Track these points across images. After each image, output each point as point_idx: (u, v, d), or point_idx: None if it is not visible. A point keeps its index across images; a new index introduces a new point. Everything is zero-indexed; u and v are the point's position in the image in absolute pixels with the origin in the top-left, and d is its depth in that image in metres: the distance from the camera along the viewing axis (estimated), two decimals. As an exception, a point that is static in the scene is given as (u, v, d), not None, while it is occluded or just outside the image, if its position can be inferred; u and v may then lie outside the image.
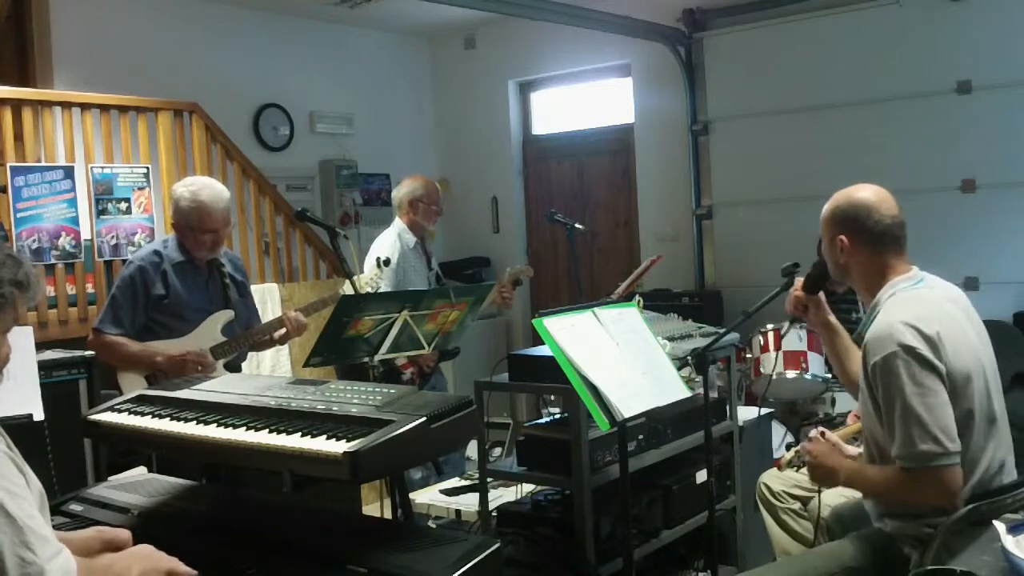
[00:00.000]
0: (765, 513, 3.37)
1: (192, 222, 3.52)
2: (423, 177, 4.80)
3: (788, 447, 3.17)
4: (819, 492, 2.97)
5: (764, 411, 4.34)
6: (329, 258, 6.01)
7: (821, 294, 2.79)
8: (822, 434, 2.99)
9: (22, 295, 1.82)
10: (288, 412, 2.19)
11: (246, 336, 3.70)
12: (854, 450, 2.97)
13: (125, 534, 2.02)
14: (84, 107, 5.00)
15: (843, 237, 2.50)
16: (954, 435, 2.24)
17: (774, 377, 4.70)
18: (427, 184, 4.70)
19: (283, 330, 3.73)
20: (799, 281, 2.79)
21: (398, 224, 4.68)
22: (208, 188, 3.57)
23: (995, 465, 2.35)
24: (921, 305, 2.37)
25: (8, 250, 1.85)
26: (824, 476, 2.55)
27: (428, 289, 4.28)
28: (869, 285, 2.51)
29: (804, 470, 3.06)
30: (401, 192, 4.68)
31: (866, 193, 2.52)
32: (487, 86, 7.73)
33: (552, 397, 3.84)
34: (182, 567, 1.87)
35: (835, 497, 2.95)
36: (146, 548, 1.91)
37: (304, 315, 3.75)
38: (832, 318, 2.80)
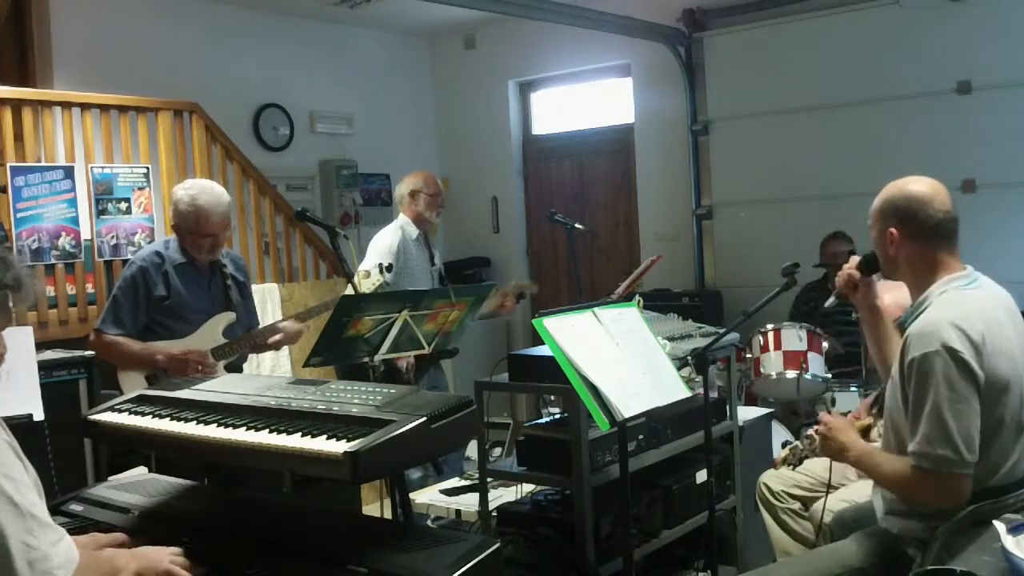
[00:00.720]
0: (765, 513, 3.37)
1: (190, 226, 3.51)
2: (424, 172, 4.85)
3: (784, 444, 3.17)
4: (827, 492, 2.97)
5: (764, 411, 4.34)
6: (329, 258, 6.01)
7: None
8: (821, 421, 2.99)
9: (10, 297, 1.81)
10: (288, 412, 2.18)
11: (247, 338, 3.69)
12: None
13: (121, 537, 2.02)
14: (84, 107, 5.00)
15: (893, 230, 2.46)
16: (974, 446, 2.23)
17: (773, 376, 4.70)
18: (427, 176, 4.76)
19: (277, 336, 3.72)
20: (854, 259, 2.75)
21: (401, 218, 4.72)
22: (207, 192, 3.56)
23: (1018, 472, 2.34)
24: (970, 306, 2.34)
25: (1, 251, 1.85)
26: (836, 450, 2.54)
27: (428, 289, 4.28)
28: (918, 279, 2.47)
29: (800, 468, 3.06)
30: (402, 187, 4.73)
31: (920, 186, 2.49)
32: (487, 86, 7.73)
33: (552, 397, 3.84)
34: (181, 572, 1.87)
35: (837, 503, 2.96)
36: (148, 548, 1.92)
37: (299, 322, 3.75)
38: (879, 301, 2.77)
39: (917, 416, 2.28)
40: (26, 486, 1.70)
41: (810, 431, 3.02)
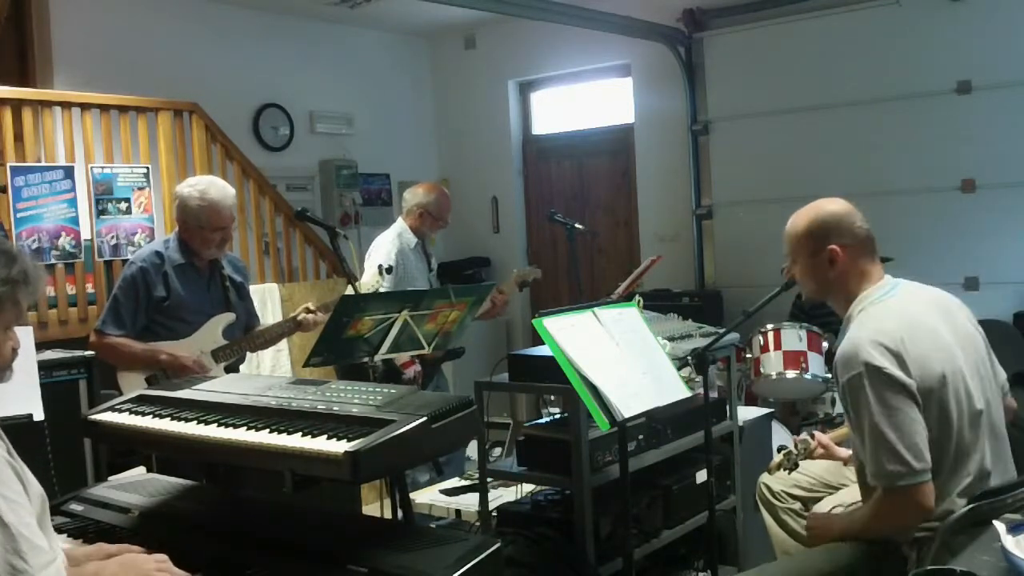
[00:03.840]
0: (765, 513, 3.37)
1: (202, 222, 3.52)
2: (439, 189, 4.78)
3: (779, 450, 3.18)
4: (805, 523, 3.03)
5: (764, 411, 4.34)
6: (329, 258, 6.01)
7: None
8: (812, 436, 3.01)
9: (19, 291, 1.80)
10: (289, 412, 2.19)
11: (248, 340, 3.70)
12: (845, 452, 2.98)
13: (133, 548, 2.01)
14: (84, 107, 5.00)
15: (835, 247, 2.49)
16: (922, 453, 2.26)
17: (773, 376, 4.70)
18: (440, 199, 4.68)
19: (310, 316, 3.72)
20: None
21: (400, 224, 4.68)
22: (214, 186, 3.60)
23: (989, 460, 2.37)
24: (886, 318, 2.38)
25: (5, 246, 1.83)
26: (825, 538, 2.58)
27: (428, 289, 4.28)
28: (848, 296, 2.52)
29: (800, 468, 3.07)
30: (415, 199, 4.66)
31: (836, 204, 2.54)
32: (487, 86, 7.73)
33: (552, 397, 3.84)
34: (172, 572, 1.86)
35: (837, 503, 2.95)
36: (133, 556, 1.91)
37: (323, 312, 3.74)
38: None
39: (862, 440, 2.33)
40: (21, 505, 1.68)
41: (803, 435, 3.03)
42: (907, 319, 2.38)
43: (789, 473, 3.06)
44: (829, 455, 3.01)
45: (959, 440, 2.34)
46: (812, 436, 3.02)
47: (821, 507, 3.00)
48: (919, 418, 2.28)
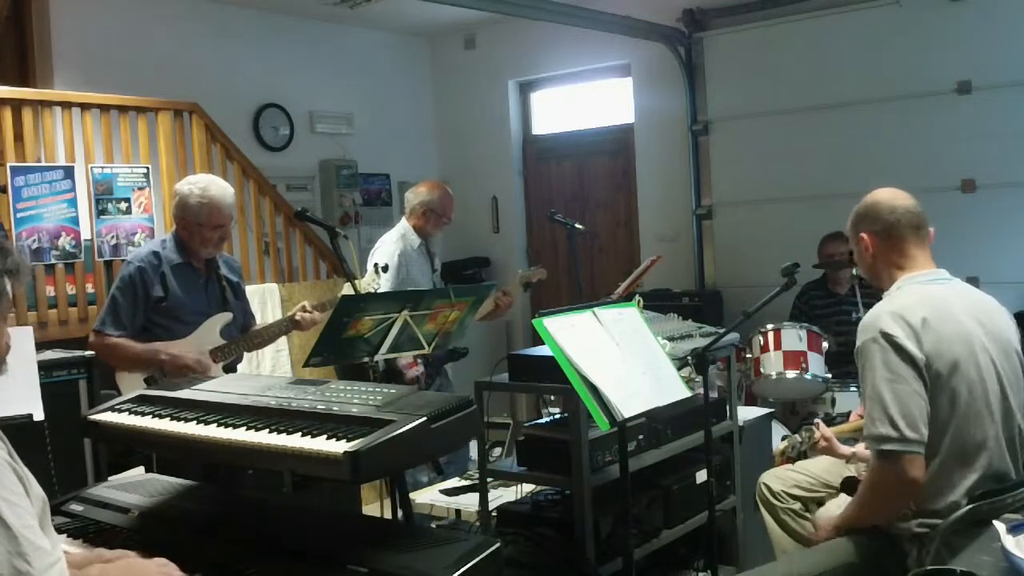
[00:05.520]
0: (765, 513, 3.37)
1: (202, 219, 3.52)
2: (441, 187, 4.78)
3: (783, 438, 3.19)
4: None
5: (764, 411, 4.34)
6: (329, 258, 6.02)
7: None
8: (817, 426, 3.02)
9: (13, 281, 1.82)
10: (288, 412, 2.18)
11: (245, 339, 3.69)
12: (847, 449, 2.99)
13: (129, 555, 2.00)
14: (84, 107, 5.01)
15: (864, 235, 2.55)
16: (916, 424, 2.27)
17: (773, 376, 4.70)
18: (443, 196, 4.69)
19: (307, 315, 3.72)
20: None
21: (403, 225, 4.68)
22: (214, 184, 3.61)
23: (1005, 465, 2.37)
24: (917, 297, 2.42)
25: None
26: (826, 538, 2.59)
27: (428, 289, 4.27)
28: (891, 278, 2.56)
29: (800, 468, 3.08)
30: (418, 198, 4.67)
31: (881, 192, 2.60)
32: (487, 86, 7.73)
33: (552, 397, 3.84)
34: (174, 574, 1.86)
35: (839, 504, 2.96)
36: (135, 560, 1.91)
37: (320, 311, 3.74)
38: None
39: (864, 402, 2.38)
40: (23, 507, 1.67)
41: (808, 426, 3.04)
42: (935, 305, 2.40)
43: (793, 463, 3.07)
44: (831, 450, 3.01)
45: (967, 432, 2.34)
46: (816, 427, 3.03)
47: (827, 509, 3.01)
48: (922, 392, 2.30)
